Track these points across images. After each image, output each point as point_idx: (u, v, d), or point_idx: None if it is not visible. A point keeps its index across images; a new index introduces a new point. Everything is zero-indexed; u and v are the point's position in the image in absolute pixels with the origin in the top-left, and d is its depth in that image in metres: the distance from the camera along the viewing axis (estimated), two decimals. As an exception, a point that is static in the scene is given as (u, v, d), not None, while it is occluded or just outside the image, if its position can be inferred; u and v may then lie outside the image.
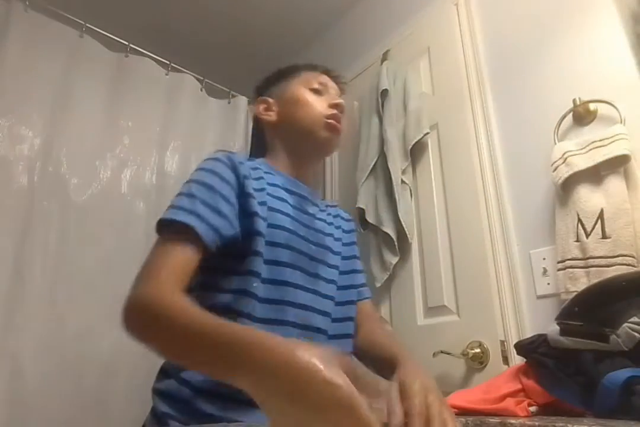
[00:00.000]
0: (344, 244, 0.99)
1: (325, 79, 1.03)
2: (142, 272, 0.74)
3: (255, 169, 0.86)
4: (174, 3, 2.14)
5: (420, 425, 0.52)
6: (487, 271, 1.26)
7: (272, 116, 0.99)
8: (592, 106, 1.15)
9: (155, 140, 1.68)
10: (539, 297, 1.16)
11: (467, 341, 1.24)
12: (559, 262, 1.07)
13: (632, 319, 0.72)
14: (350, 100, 1.96)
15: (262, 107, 1.02)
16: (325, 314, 0.83)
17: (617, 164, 1.03)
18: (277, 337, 0.48)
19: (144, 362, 1.43)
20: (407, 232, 1.46)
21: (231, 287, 0.73)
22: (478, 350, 1.21)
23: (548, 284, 1.14)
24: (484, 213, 1.32)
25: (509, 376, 0.86)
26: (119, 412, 1.36)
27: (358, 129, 1.75)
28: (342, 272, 0.93)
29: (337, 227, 1.00)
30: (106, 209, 1.50)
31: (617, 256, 0.96)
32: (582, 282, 1.01)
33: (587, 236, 1.01)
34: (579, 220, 1.04)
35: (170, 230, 0.71)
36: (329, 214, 1.01)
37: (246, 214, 0.77)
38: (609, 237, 0.98)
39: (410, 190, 1.52)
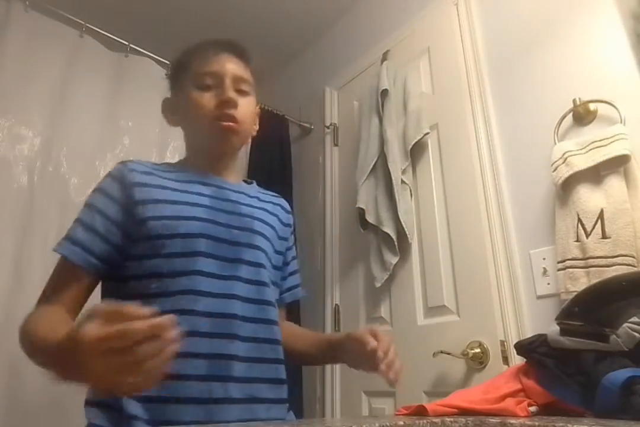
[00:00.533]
0: (279, 237, 0.96)
1: (218, 64, 0.91)
2: None
3: (148, 173, 0.86)
4: (174, 3, 2.14)
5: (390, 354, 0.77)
6: (487, 271, 1.26)
7: (172, 120, 0.99)
8: (592, 106, 1.15)
9: (155, 140, 1.68)
10: (539, 297, 1.16)
11: (467, 341, 1.24)
12: (559, 262, 1.07)
13: (632, 319, 0.72)
14: (350, 100, 1.96)
15: (166, 109, 1.01)
16: (248, 300, 0.81)
17: (617, 164, 1.03)
18: (68, 329, 0.57)
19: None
20: (407, 232, 1.46)
21: (142, 292, 0.77)
22: (478, 350, 1.21)
23: (548, 284, 1.14)
24: (484, 213, 1.32)
25: (509, 376, 0.86)
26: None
27: (358, 129, 1.75)
28: (273, 267, 0.92)
29: (273, 215, 0.97)
30: (106, 209, 1.50)
31: (617, 256, 0.96)
32: (582, 282, 1.01)
33: (587, 236, 1.01)
34: (579, 220, 1.04)
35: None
36: (264, 201, 0.98)
37: (138, 220, 0.80)
38: (609, 237, 0.98)
39: (410, 191, 1.52)
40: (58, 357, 0.61)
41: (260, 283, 0.85)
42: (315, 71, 2.28)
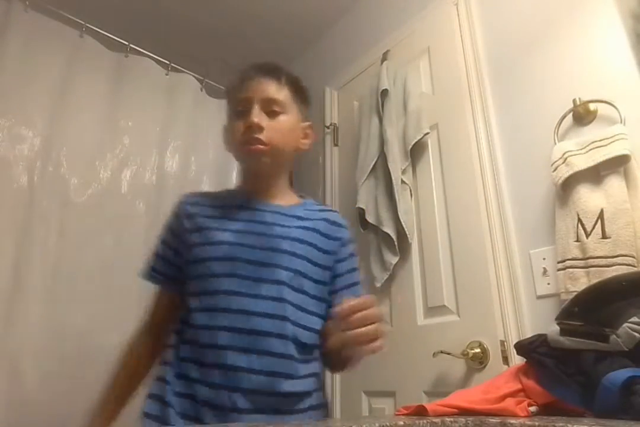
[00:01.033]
0: (322, 252, 0.95)
1: (247, 90, 0.97)
2: None
3: (197, 204, 0.98)
4: (174, 3, 2.14)
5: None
6: (487, 271, 1.26)
7: (225, 146, 1.04)
8: (592, 106, 1.15)
9: (155, 141, 1.68)
10: (539, 297, 1.16)
11: (467, 341, 1.24)
12: (559, 262, 1.07)
13: (632, 319, 0.72)
14: (350, 100, 1.96)
15: (223, 136, 1.04)
16: (269, 316, 0.85)
17: (617, 164, 1.03)
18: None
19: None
20: (407, 232, 1.46)
21: (190, 307, 0.88)
22: (478, 350, 1.21)
23: (548, 284, 1.14)
24: (484, 213, 1.32)
25: (509, 376, 0.86)
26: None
27: (358, 129, 1.75)
28: (315, 281, 0.92)
29: (313, 230, 0.96)
30: (106, 209, 1.50)
31: (617, 256, 0.96)
32: (582, 282, 1.01)
33: (587, 235, 1.01)
34: (579, 220, 1.04)
35: None
36: (305, 219, 0.97)
37: (188, 246, 0.92)
38: (609, 237, 0.98)
39: (410, 191, 1.52)
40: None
41: (280, 300, 0.87)
42: (315, 71, 2.28)
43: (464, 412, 0.75)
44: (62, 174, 1.45)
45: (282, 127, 0.96)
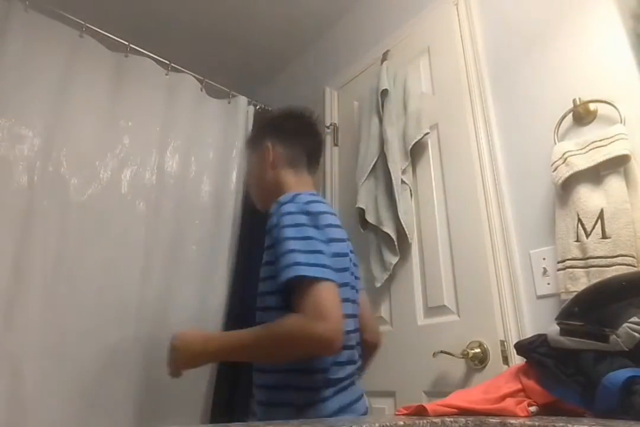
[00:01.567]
0: (266, 249, 1.04)
1: None
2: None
3: None
4: (174, 3, 2.14)
5: None
6: (487, 271, 1.26)
7: None
8: (592, 106, 1.15)
9: (155, 140, 1.68)
10: (539, 297, 1.16)
11: (467, 341, 1.24)
12: (559, 262, 1.07)
13: (632, 319, 0.72)
14: (350, 100, 1.96)
15: None
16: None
17: (617, 164, 1.03)
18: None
19: (143, 362, 1.44)
20: (407, 232, 1.46)
21: None
22: (478, 350, 1.21)
23: (548, 284, 1.14)
24: (484, 213, 1.32)
25: (509, 376, 0.86)
26: (119, 412, 1.36)
27: (358, 129, 1.75)
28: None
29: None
30: (106, 209, 1.50)
31: (617, 256, 0.96)
32: (582, 282, 1.01)
33: (587, 235, 1.01)
34: (579, 220, 1.04)
35: None
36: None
37: None
38: (609, 237, 0.98)
39: (410, 191, 1.52)
40: None
41: (261, 309, 1.01)
42: (315, 71, 2.28)
43: (464, 412, 0.75)
44: (62, 174, 1.45)
45: (251, 175, 1.26)
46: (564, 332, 0.63)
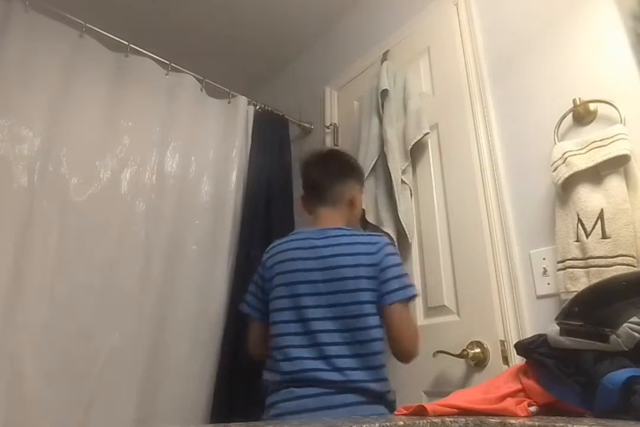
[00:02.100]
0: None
1: None
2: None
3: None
4: (174, 3, 2.14)
5: None
6: (487, 271, 1.26)
7: None
8: (592, 106, 1.15)
9: (155, 140, 1.68)
10: (539, 297, 1.16)
11: (467, 341, 1.24)
12: (559, 262, 1.07)
13: (632, 319, 0.72)
14: (350, 100, 1.96)
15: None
16: None
17: (617, 164, 1.03)
18: None
19: (143, 362, 1.44)
20: (407, 232, 1.46)
21: None
22: (478, 350, 1.21)
23: (548, 284, 1.14)
24: (484, 213, 1.32)
25: (509, 376, 0.86)
26: (119, 412, 1.36)
27: (358, 129, 1.75)
28: None
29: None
30: (106, 209, 1.50)
31: (617, 256, 0.96)
32: (582, 282, 1.01)
33: (587, 236, 1.01)
34: (579, 220, 1.04)
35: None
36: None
37: None
38: (609, 237, 0.98)
39: (410, 191, 1.52)
40: None
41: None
42: (315, 71, 2.28)
43: (464, 412, 0.75)
44: (62, 174, 1.45)
45: None
46: (564, 332, 0.63)
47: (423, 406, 0.74)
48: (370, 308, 1.13)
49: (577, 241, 1.04)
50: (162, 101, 1.74)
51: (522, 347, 0.88)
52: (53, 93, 1.50)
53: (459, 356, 1.21)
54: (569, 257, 1.04)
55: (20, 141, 1.40)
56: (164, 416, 1.43)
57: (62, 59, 1.55)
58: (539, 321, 1.15)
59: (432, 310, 1.39)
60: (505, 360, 1.16)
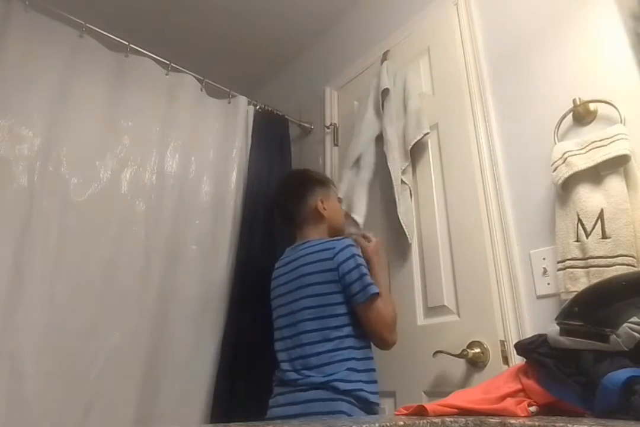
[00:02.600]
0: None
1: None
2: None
3: None
4: (174, 3, 2.14)
5: None
6: (487, 271, 1.26)
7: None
8: (592, 106, 1.15)
9: (155, 140, 1.68)
10: (539, 297, 1.16)
11: (467, 341, 1.24)
12: (559, 262, 1.07)
13: (632, 319, 0.72)
14: (350, 100, 1.96)
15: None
16: None
17: (617, 164, 1.03)
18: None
19: (144, 362, 1.44)
20: (407, 232, 1.46)
21: None
22: (478, 350, 1.21)
23: (548, 284, 1.14)
24: (484, 213, 1.32)
25: (509, 376, 0.86)
26: (119, 412, 1.36)
27: (355, 127, 1.75)
28: None
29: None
30: (106, 209, 1.50)
31: (617, 256, 0.96)
32: (582, 282, 1.01)
33: (587, 236, 1.01)
34: (579, 220, 1.04)
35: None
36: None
37: None
38: (609, 237, 0.98)
39: (410, 191, 1.52)
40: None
41: None
42: (315, 71, 2.28)
43: (464, 412, 0.75)
44: (62, 174, 1.45)
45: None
46: (564, 332, 0.63)
47: (423, 406, 0.74)
48: (329, 310, 1.21)
49: (577, 240, 1.04)
50: (162, 101, 1.74)
51: (522, 347, 0.88)
52: (53, 93, 1.50)
53: (459, 356, 1.21)
54: (569, 257, 1.04)
55: (20, 141, 1.40)
56: (164, 416, 1.43)
57: (62, 59, 1.55)
58: (539, 321, 1.15)
59: (432, 310, 1.39)
60: (505, 360, 1.16)
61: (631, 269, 0.95)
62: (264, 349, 1.58)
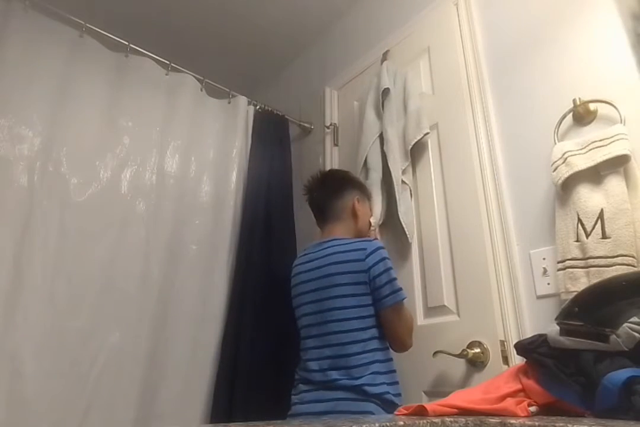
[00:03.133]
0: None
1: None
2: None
3: None
4: (175, 3, 2.14)
5: None
6: (487, 271, 1.26)
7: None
8: (592, 106, 1.15)
9: (155, 140, 1.68)
10: (539, 297, 1.16)
11: (467, 341, 1.24)
12: (559, 262, 1.07)
13: (632, 319, 0.72)
14: (350, 100, 1.96)
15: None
16: None
17: (617, 164, 1.03)
18: None
19: (143, 362, 1.44)
20: (407, 232, 1.46)
21: None
22: (478, 350, 1.21)
23: (548, 284, 1.14)
24: (484, 213, 1.32)
25: (509, 376, 0.86)
26: (119, 412, 1.36)
27: (358, 129, 1.75)
28: None
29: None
30: (106, 209, 1.50)
31: (617, 256, 0.96)
32: (582, 282, 1.01)
33: (587, 236, 1.01)
34: (579, 220, 1.04)
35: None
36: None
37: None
38: (609, 237, 0.98)
39: (410, 191, 1.52)
40: None
41: None
42: (315, 71, 2.28)
43: (464, 412, 0.75)
44: (62, 174, 1.45)
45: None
46: (564, 332, 0.63)
47: (423, 406, 0.74)
48: (356, 312, 1.21)
49: (577, 241, 1.04)
50: (162, 101, 1.74)
51: (522, 347, 0.88)
52: (53, 93, 1.50)
53: (459, 356, 1.21)
54: (569, 257, 1.04)
55: (20, 141, 1.40)
56: (164, 416, 1.43)
57: (62, 59, 1.55)
58: (539, 321, 1.15)
59: (432, 310, 1.39)
60: (505, 360, 1.16)
61: (631, 269, 0.95)
62: (264, 349, 1.58)
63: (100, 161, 1.54)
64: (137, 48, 1.73)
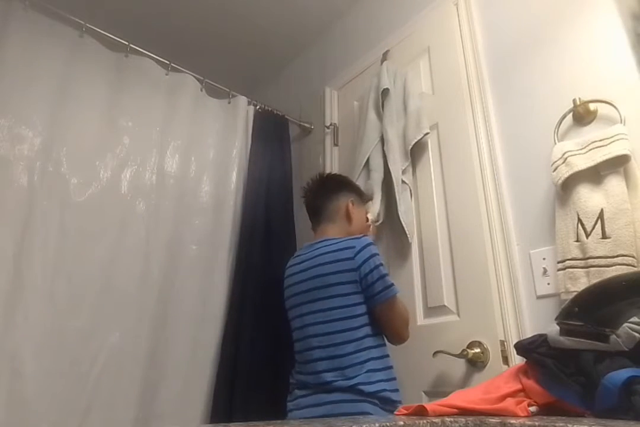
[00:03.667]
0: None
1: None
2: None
3: None
4: (175, 3, 2.14)
5: None
6: (487, 271, 1.26)
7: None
8: (592, 106, 1.15)
9: (155, 140, 1.68)
10: (539, 297, 1.16)
11: (467, 341, 1.24)
12: (559, 262, 1.07)
13: (632, 319, 0.72)
14: (350, 100, 1.96)
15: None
16: None
17: (617, 164, 1.03)
18: None
19: (143, 362, 1.43)
20: (407, 232, 1.46)
21: None
22: (478, 350, 1.21)
23: (548, 284, 1.14)
24: (484, 213, 1.32)
25: (509, 376, 0.86)
26: (119, 412, 1.36)
27: (357, 129, 1.75)
28: None
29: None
30: (106, 209, 1.50)
31: (617, 256, 0.96)
32: (582, 282, 1.01)
33: (587, 236, 1.01)
34: (579, 220, 1.04)
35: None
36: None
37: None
38: (609, 237, 0.98)
39: (410, 190, 1.52)
40: None
41: None
42: (315, 71, 2.28)
43: (464, 412, 0.75)
44: (62, 174, 1.45)
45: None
46: (564, 332, 0.63)
47: (423, 406, 0.74)
48: (348, 311, 1.20)
49: (577, 241, 1.04)
50: (162, 101, 1.74)
51: (522, 347, 0.88)
52: (53, 93, 1.50)
53: (459, 356, 1.21)
54: (569, 257, 1.04)
55: (20, 141, 1.40)
56: (164, 416, 1.43)
57: (62, 59, 1.55)
58: (539, 321, 1.15)
59: (432, 310, 1.39)
60: (505, 360, 1.16)
61: (631, 269, 0.95)
62: (264, 349, 1.58)
63: (100, 161, 1.54)
64: (137, 48, 1.73)
